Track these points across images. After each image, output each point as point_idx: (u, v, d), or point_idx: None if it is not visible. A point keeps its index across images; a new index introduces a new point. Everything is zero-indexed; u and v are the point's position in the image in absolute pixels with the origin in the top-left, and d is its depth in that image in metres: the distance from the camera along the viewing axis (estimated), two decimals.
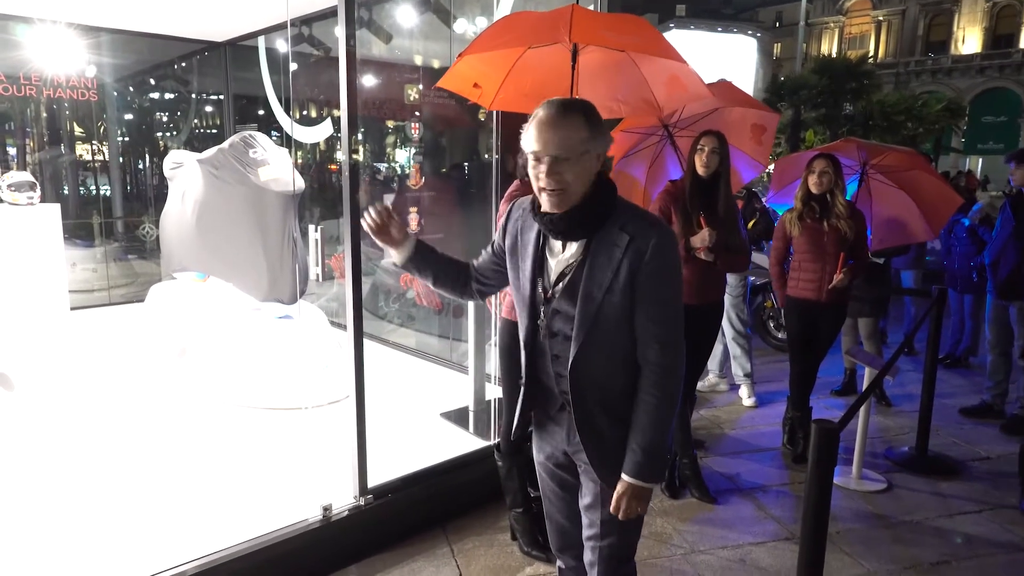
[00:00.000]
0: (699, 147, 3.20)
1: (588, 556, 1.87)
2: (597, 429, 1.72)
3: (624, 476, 1.68)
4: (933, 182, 4.05)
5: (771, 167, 5.50)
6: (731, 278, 4.84)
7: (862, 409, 3.68)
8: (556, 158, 1.58)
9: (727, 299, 4.79)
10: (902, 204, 4.10)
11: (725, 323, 4.90)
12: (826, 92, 18.19)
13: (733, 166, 3.51)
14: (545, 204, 1.65)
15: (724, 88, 3.61)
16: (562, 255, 1.70)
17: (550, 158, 1.58)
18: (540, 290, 1.73)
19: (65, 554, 2.60)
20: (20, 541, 2.68)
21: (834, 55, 27.41)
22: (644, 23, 2.87)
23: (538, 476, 1.98)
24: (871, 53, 29.82)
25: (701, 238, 3.13)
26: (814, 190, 3.67)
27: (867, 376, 3.81)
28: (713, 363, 5.17)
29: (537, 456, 1.94)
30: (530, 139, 1.62)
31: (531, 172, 1.65)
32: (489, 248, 1.93)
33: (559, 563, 2.06)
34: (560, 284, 1.69)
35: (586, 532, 1.86)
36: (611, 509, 1.71)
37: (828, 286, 3.64)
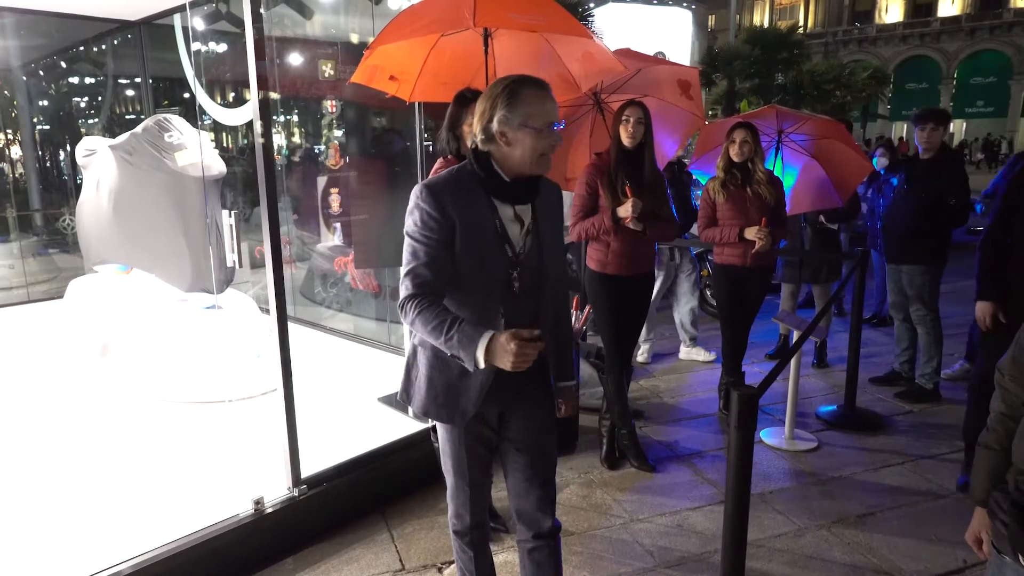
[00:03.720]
0: (624, 118, 3.20)
1: (538, 493, 2.02)
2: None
3: (565, 383, 2.09)
4: (846, 151, 4.19)
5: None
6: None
7: (792, 371, 3.79)
8: (557, 123, 1.79)
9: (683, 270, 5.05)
10: (812, 171, 4.23)
11: (684, 292, 5.20)
12: (759, 62, 18.54)
13: (674, 121, 3.54)
14: (541, 167, 1.79)
15: (629, 53, 3.62)
16: (515, 218, 1.83)
17: (556, 124, 1.77)
18: (511, 254, 1.82)
19: None
20: None
21: (766, 25, 27.93)
22: (551, 2, 2.84)
23: (465, 450, 1.98)
24: (801, 23, 30.50)
25: (626, 208, 3.14)
26: (735, 159, 3.74)
27: (794, 340, 3.92)
28: (683, 334, 5.40)
29: (470, 427, 1.94)
30: (534, 108, 1.72)
31: (534, 140, 1.73)
32: (435, 257, 1.76)
33: (471, 522, 2.09)
34: (526, 242, 1.84)
35: (533, 470, 2.00)
36: (564, 412, 2.09)
37: (752, 251, 3.71)
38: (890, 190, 5.39)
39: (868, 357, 4.91)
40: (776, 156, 4.16)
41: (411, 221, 1.78)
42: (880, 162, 6.65)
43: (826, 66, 19.61)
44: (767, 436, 3.86)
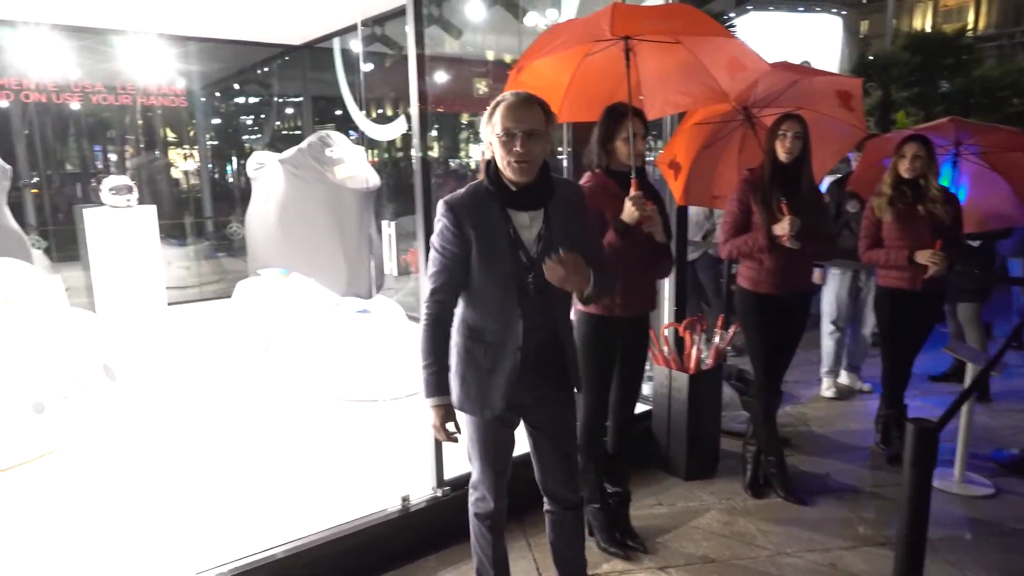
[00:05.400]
0: (781, 132, 3.06)
1: (564, 472, 2.24)
2: (572, 344, 2.19)
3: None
4: None
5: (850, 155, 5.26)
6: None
7: (964, 407, 3.44)
8: (528, 133, 1.90)
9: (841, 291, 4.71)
10: (996, 188, 3.81)
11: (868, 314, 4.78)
12: (919, 69, 17.07)
13: (831, 134, 3.35)
14: (514, 174, 1.94)
15: (787, 66, 3.43)
16: (530, 224, 2.00)
17: (523, 133, 1.90)
18: (524, 260, 1.99)
19: (165, 537, 2.75)
20: (123, 524, 2.86)
21: (928, 29, 25.79)
22: (688, 7, 2.78)
23: (492, 438, 2.15)
24: (970, 25, 27.87)
25: (782, 226, 3.00)
26: (905, 175, 3.45)
27: (968, 372, 3.56)
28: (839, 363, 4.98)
29: (500, 413, 2.08)
30: (500, 119, 1.92)
31: (501, 149, 1.93)
32: (449, 268, 2.00)
33: (494, 507, 2.26)
34: (539, 246, 2.00)
35: (558, 452, 2.22)
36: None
37: (924, 275, 3.41)
38: None
39: None
40: (953, 171, 3.80)
41: (434, 233, 2.04)
42: None
43: (1001, 71, 17.72)
44: (933, 477, 3.52)
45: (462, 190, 2.04)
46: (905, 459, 1.83)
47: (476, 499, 2.29)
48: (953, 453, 3.55)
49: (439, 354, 2.06)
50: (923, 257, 3.38)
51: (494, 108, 1.95)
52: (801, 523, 3.17)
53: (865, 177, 3.98)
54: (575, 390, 2.24)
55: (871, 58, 20.11)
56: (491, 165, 2.00)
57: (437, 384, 2.05)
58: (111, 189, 5.26)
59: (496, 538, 2.32)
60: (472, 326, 2.07)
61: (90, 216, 5.22)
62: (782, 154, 3.07)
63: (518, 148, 1.90)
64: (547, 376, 2.12)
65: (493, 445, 2.17)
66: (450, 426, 2.08)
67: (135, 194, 5.36)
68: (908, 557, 1.85)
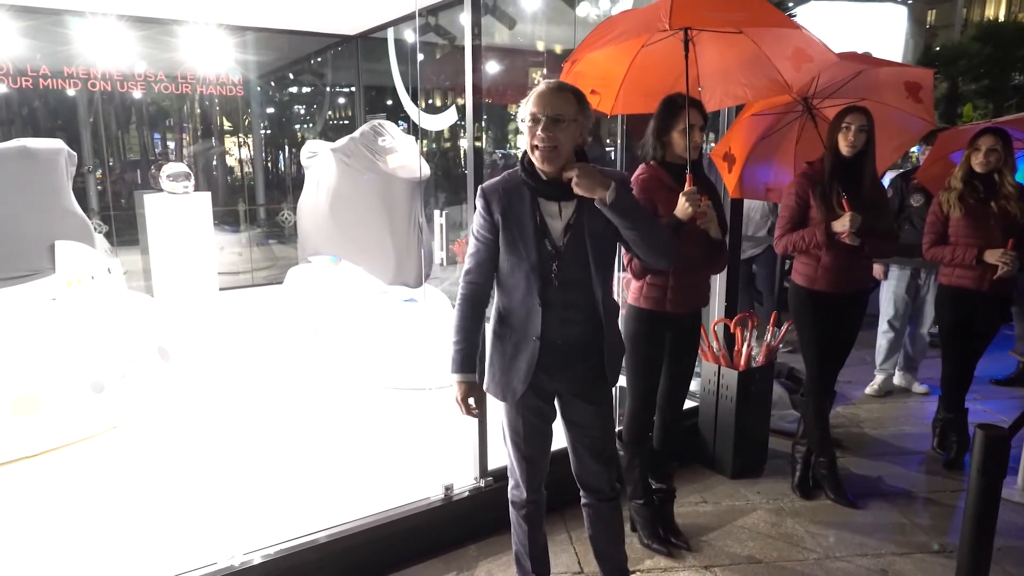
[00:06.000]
0: (844, 125, 2.95)
1: (598, 465, 2.22)
2: (611, 339, 2.10)
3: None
4: None
5: (915, 148, 5.06)
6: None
7: None
8: (553, 119, 1.89)
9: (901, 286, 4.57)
10: None
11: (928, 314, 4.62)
12: (990, 61, 16.32)
13: (896, 127, 3.22)
14: (538, 161, 1.94)
15: (855, 56, 3.29)
16: (560, 214, 1.99)
17: (547, 119, 1.89)
18: (550, 248, 1.98)
19: (213, 516, 2.82)
20: (173, 503, 2.95)
21: (1001, 19, 24.59)
22: None
23: (521, 424, 2.15)
24: None
25: (843, 223, 2.89)
26: (979, 169, 3.29)
27: None
28: (892, 362, 4.83)
29: (527, 402, 2.10)
30: (529, 105, 1.92)
31: (527, 134, 1.93)
32: (480, 252, 2.05)
33: (527, 496, 2.26)
34: (567, 237, 1.98)
35: (593, 446, 2.19)
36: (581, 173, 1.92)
37: (992, 275, 3.25)
38: None
39: None
40: None
41: (473, 219, 2.09)
42: None
43: None
44: None
45: (498, 177, 2.07)
46: (973, 466, 1.75)
47: (511, 487, 2.32)
48: (1016, 461, 3.40)
49: (467, 332, 2.09)
50: (993, 257, 3.22)
51: (529, 97, 1.97)
52: (852, 527, 3.08)
53: (933, 171, 3.82)
54: (615, 385, 2.22)
55: (938, 49, 19.32)
56: (526, 154, 2.01)
57: (462, 361, 2.09)
58: (169, 176, 5.42)
59: (532, 528, 2.33)
60: (501, 311, 2.11)
61: (149, 201, 5.38)
62: (844, 148, 2.96)
63: (540, 133, 1.89)
64: (581, 370, 2.11)
65: (523, 432, 2.17)
66: (471, 401, 2.11)
67: (192, 181, 5.51)
68: (972, 566, 1.77)
